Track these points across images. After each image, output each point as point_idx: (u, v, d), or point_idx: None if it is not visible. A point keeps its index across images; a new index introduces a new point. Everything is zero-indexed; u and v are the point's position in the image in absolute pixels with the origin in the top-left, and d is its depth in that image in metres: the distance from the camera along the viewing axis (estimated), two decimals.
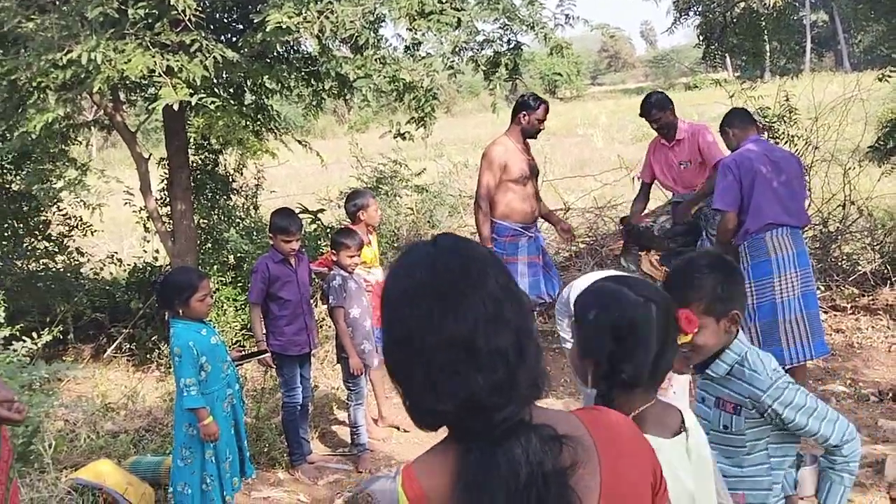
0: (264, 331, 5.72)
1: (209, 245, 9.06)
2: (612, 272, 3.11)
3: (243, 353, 5.68)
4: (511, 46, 7.37)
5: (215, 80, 7.39)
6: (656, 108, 6.63)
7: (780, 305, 5.50)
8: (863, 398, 6.33)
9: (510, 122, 6.81)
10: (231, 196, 9.42)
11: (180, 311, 4.68)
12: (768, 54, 15.08)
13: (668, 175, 6.76)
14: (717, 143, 6.51)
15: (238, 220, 9.27)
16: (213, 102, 6.44)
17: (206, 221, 9.21)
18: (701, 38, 9.93)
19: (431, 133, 7.51)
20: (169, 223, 8.41)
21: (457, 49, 7.03)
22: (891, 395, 6.26)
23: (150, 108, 7.42)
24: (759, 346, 5.47)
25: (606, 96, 46.27)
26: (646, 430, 2.08)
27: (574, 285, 3.76)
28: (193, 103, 6.32)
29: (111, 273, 9.81)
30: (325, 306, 6.02)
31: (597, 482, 1.52)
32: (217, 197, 9.41)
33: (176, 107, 6.35)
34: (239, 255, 8.51)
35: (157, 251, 9.17)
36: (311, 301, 6.06)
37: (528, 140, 6.81)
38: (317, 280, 5.95)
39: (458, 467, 1.45)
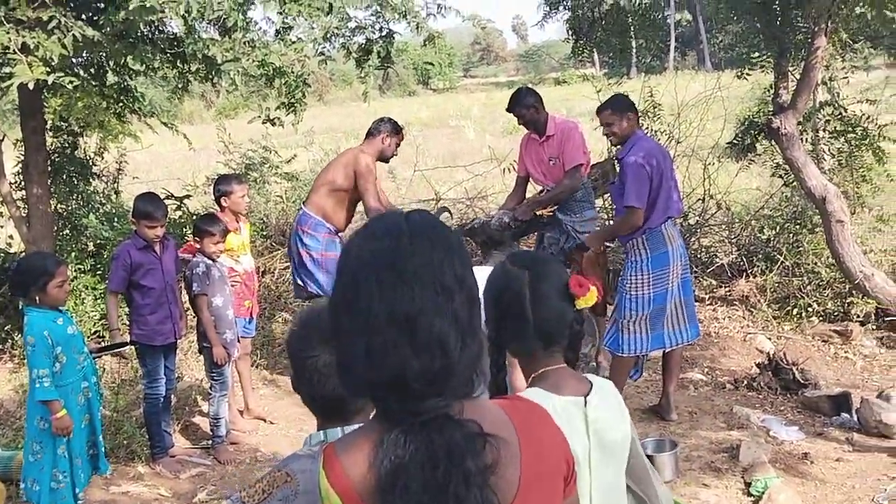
0: (123, 321, 5.52)
1: (67, 231, 8.68)
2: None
3: (102, 344, 5.46)
4: (383, 34, 7.32)
5: (75, 60, 7.09)
6: (519, 105, 6.70)
7: (670, 293, 5.66)
8: (719, 386, 6.60)
9: (367, 136, 6.77)
10: (91, 180, 9.02)
11: (37, 299, 4.48)
12: (634, 51, 15.51)
13: (538, 170, 6.84)
14: (580, 148, 6.61)
15: (98, 205, 8.90)
16: (71, 82, 6.16)
17: (63, 207, 8.80)
18: (570, 32, 10.10)
19: (302, 120, 7.41)
20: (24, 208, 8.01)
21: (328, 35, 6.95)
22: (745, 382, 6.54)
23: (3, 87, 7.04)
24: (645, 333, 5.64)
25: (479, 88, 46.75)
26: (541, 387, 2.19)
27: None
28: (51, 82, 6.03)
29: None
30: (188, 294, 5.84)
31: (517, 475, 1.52)
32: (76, 181, 9.00)
33: (31, 86, 6.05)
34: (99, 241, 8.18)
35: (10, 237, 8.73)
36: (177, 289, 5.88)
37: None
38: (184, 269, 5.77)
39: (377, 448, 1.43)
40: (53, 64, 6.13)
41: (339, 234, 6.68)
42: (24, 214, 7.92)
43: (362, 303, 1.46)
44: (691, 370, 6.83)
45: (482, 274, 2.11)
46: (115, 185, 9.31)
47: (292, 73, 6.93)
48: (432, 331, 1.44)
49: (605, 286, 6.24)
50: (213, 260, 5.72)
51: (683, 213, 8.78)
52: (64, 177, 8.83)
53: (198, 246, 5.73)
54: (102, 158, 9.21)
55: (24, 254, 7.89)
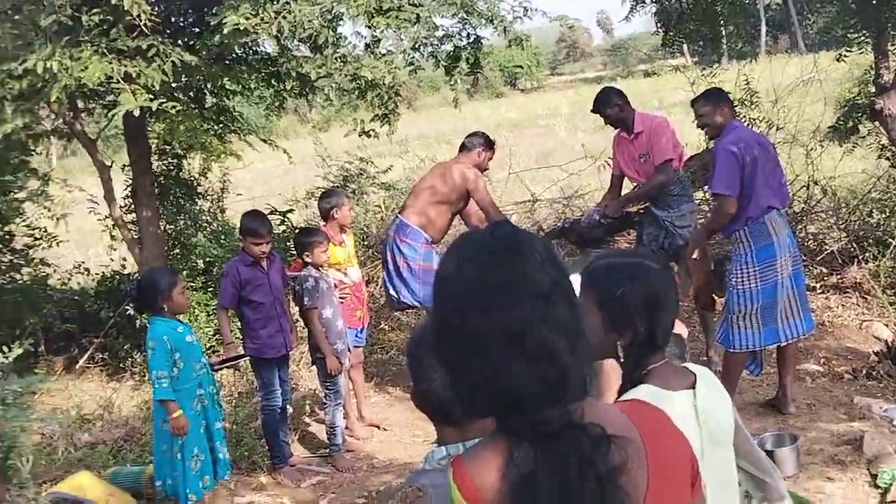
0: (236, 335, 5.69)
1: (177, 251, 8.98)
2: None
3: (222, 358, 5.65)
4: (471, 41, 7.36)
5: (175, 85, 7.32)
6: (604, 105, 6.65)
7: (780, 285, 5.53)
8: (837, 376, 6.41)
9: (462, 150, 6.80)
10: (196, 200, 9.33)
11: (164, 307, 4.73)
12: (725, 39, 15.19)
13: (630, 167, 6.78)
14: (669, 143, 6.53)
15: (205, 224, 9.18)
16: (173, 107, 6.39)
17: (172, 227, 9.13)
18: (658, 25, 9.96)
19: (396, 129, 7.50)
20: (135, 230, 8.33)
21: (417, 45, 7.03)
22: (864, 371, 6.34)
23: (109, 115, 7.33)
24: (757, 328, 5.51)
25: (566, 86, 46.40)
26: (655, 383, 2.20)
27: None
28: (154, 109, 6.25)
29: (79, 283, 9.68)
30: (298, 308, 5.99)
31: (644, 478, 1.52)
32: (182, 202, 9.33)
33: (137, 113, 6.30)
34: (208, 259, 8.44)
35: (124, 259, 9.07)
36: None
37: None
38: (291, 283, 5.91)
39: (507, 464, 1.44)
40: (155, 90, 6.36)
41: (436, 244, 6.73)
42: (135, 237, 8.23)
43: (468, 327, 1.47)
44: (807, 361, 6.66)
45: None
46: (220, 203, 9.58)
47: (384, 84, 7.02)
48: (541, 341, 1.44)
49: (710, 282, 6.14)
50: (322, 268, 5.83)
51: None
52: (171, 198, 9.15)
53: (303, 261, 5.85)
54: (206, 178, 9.50)
55: (137, 275, 8.21)
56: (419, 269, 6.44)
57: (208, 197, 9.59)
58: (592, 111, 6.80)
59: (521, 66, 46.83)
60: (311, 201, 9.71)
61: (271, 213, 8.67)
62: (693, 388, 2.25)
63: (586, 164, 9.64)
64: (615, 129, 6.78)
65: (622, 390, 2.29)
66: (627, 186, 7.06)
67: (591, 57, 71.74)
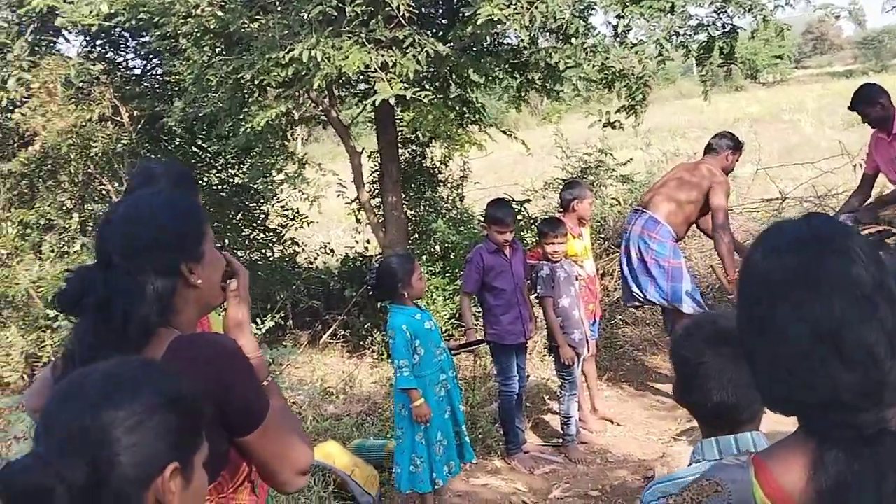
0: (474, 321, 5.77)
1: (416, 235, 9.26)
2: None
3: (461, 342, 5.76)
4: (726, 31, 7.12)
5: (422, 76, 7.54)
6: (864, 102, 6.19)
7: None
8: None
9: (709, 152, 6.53)
10: (437, 188, 9.59)
11: (404, 294, 4.80)
12: None
13: (889, 168, 6.30)
14: None
15: (445, 211, 9.42)
16: (426, 96, 6.58)
17: (413, 213, 9.42)
18: None
19: (642, 121, 7.37)
20: (380, 215, 8.66)
21: (669, 35, 6.88)
22: None
23: (365, 103, 7.64)
24: None
25: (812, 80, 43.97)
26: None
27: None
28: (409, 97, 6.45)
29: (324, 262, 10.21)
30: (535, 297, 6.02)
31: None
32: (423, 189, 9.62)
33: (393, 101, 6.53)
34: (447, 245, 8.64)
35: (367, 241, 9.46)
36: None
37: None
38: (531, 273, 5.95)
39: (815, 468, 1.38)
40: (409, 80, 6.57)
41: (679, 242, 6.54)
42: (380, 221, 8.57)
43: (779, 325, 1.40)
44: None
45: None
46: (459, 191, 9.79)
47: (632, 75, 6.91)
48: (860, 343, 1.35)
49: None
50: (553, 261, 5.82)
51: None
52: (413, 185, 9.45)
53: (543, 251, 5.87)
54: (447, 167, 9.74)
55: (380, 257, 8.54)
56: (669, 267, 6.27)
57: (447, 185, 9.83)
58: (850, 108, 6.36)
59: (780, 57, 44.39)
60: (548, 192, 9.75)
61: (509, 202, 8.77)
62: None
63: (841, 162, 9.07)
64: (872, 128, 6.34)
65: None
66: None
67: (840, 50, 67.61)
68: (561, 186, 7.04)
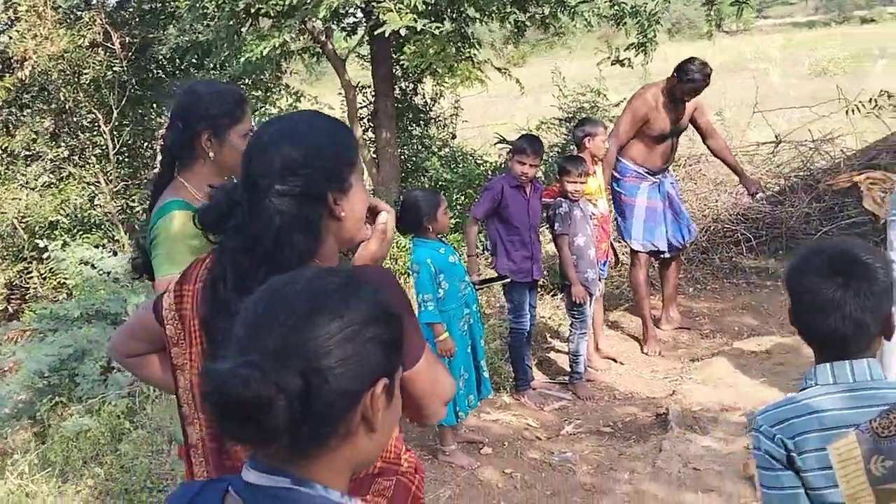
0: (478, 248, 5.67)
1: (406, 174, 9.17)
2: None
3: (483, 277, 5.71)
4: None
5: (420, 10, 7.39)
6: None
7: None
8: None
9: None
10: (428, 126, 9.48)
11: (429, 228, 4.74)
12: None
13: None
14: None
15: (436, 149, 9.33)
16: (437, 27, 6.45)
17: (402, 151, 9.31)
18: None
19: (651, 60, 7.31)
20: (373, 151, 8.55)
21: None
22: None
23: (375, 33, 7.47)
24: None
25: (774, 30, 44.12)
26: None
27: None
28: (419, 28, 6.32)
29: None
30: (551, 234, 5.98)
31: None
32: (412, 127, 9.49)
33: (403, 32, 6.40)
34: (441, 184, 8.56)
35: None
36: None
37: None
38: (546, 211, 5.89)
39: None
40: (419, 11, 6.43)
41: (653, 173, 6.52)
42: (373, 157, 8.46)
43: None
44: None
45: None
46: (451, 129, 9.69)
47: (644, 11, 6.84)
48: None
49: None
50: (572, 199, 5.77)
51: None
52: (401, 123, 9.32)
53: (561, 188, 5.81)
54: (438, 104, 9.62)
55: (373, 195, 8.44)
56: (622, 203, 6.51)
57: (438, 123, 9.72)
58: None
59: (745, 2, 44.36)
60: (540, 132, 9.67)
61: (500, 141, 8.67)
62: None
63: (834, 108, 9.07)
64: None
65: None
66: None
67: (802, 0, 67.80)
68: (554, 126, 6.98)
